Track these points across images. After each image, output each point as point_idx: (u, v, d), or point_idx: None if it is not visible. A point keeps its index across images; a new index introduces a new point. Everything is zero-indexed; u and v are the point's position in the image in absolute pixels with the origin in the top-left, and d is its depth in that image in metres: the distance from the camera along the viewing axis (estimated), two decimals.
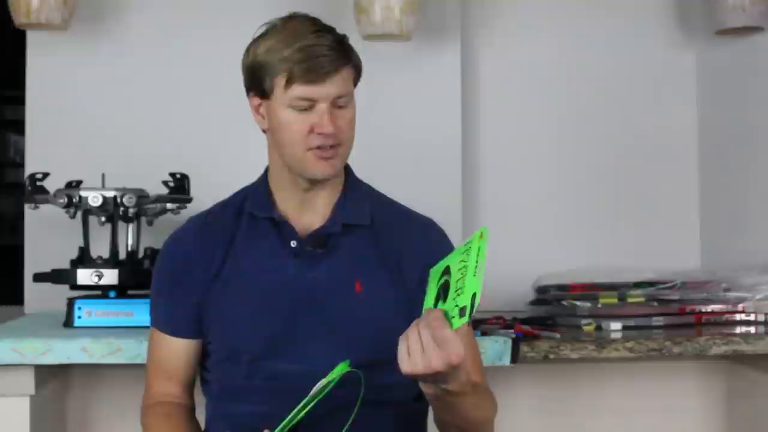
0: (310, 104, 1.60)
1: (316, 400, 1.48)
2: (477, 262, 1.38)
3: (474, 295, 1.35)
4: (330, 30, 1.65)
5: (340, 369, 1.46)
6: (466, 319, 1.35)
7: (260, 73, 1.63)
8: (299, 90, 1.60)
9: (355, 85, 1.69)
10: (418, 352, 1.36)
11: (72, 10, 2.47)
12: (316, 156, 1.62)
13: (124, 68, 2.65)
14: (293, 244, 1.67)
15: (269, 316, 1.64)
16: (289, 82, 1.60)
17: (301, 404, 1.47)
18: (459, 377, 1.40)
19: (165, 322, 1.72)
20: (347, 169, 1.75)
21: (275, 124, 1.65)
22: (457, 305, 1.37)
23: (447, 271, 1.45)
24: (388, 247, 1.69)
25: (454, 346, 1.35)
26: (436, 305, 1.43)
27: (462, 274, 1.40)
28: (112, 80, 2.65)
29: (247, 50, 1.67)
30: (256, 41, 1.65)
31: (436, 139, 2.73)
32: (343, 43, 1.65)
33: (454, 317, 1.37)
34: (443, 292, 1.43)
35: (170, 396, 1.72)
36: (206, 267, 1.68)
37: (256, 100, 1.67)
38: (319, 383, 1.47)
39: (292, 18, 1.65)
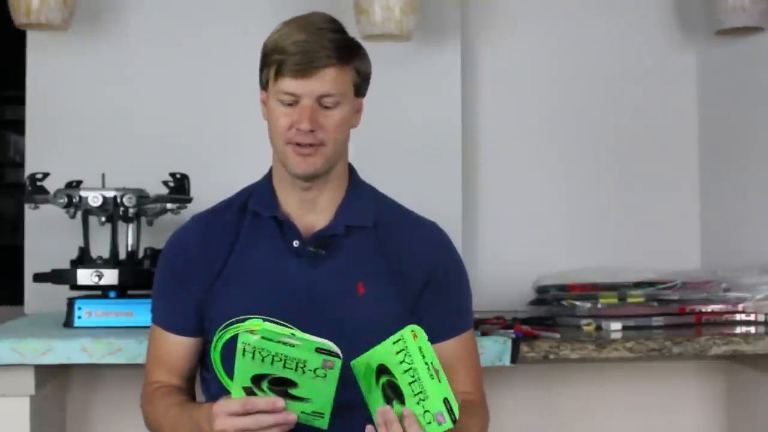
0: (294, 99, 1.60)
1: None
2: (427, 364, 1.39)
3: (446, 400, 1.38)
4: (337, 30, 1.64)
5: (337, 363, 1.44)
6: (448, 424, 1.37)
7: (261, 64, 1.65)
8: (284, 84, 1.60)
9: (358, 90, 1.68)
10: None
11: (72, 10, 2.47)
12: (294, 151, 1.62)
13: (123, 68, 2.65)
14: (295, 244, 1.66)
15: (270, 315, 1.63)
16: (277, 75, 1.61)
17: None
18: None
19: (166, 320, 1.72)
20: (351, 171, 1.75)
21: (268, 117, 1.66)
22: (427, 411, 1.39)
23: (384, 369, 1.44)
24: (391, 250, 1.69)
25: None
26: (389, 405, 1.44)
27: (412, 377, 1.40)
28: (112, 80, 2.64)
29: (264, 43, 1.67)
30: (271, 34, 1.66)
31: (436, 139, 2.73)
32: (346, 44, 1.64)
33: (430, 423, 1.39)
34: (393, 393, 1.43)
35: (172, 385, 1.72)
36: (208, 266, 1.68)
37: (263, 93, 1.68)
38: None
39: (309, 15, 1.66)
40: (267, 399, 1.43)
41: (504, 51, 2.85)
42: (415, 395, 1.41)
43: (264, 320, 1.41)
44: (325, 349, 1.39)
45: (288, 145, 1.62)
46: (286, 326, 1.40)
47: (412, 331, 1.42)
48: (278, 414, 1.43)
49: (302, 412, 1.45)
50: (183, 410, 1.63)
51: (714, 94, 2.87)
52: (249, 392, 1.44)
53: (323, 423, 1.47)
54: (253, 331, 1.39)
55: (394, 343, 1.43)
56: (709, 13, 2.72)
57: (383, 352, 1.44)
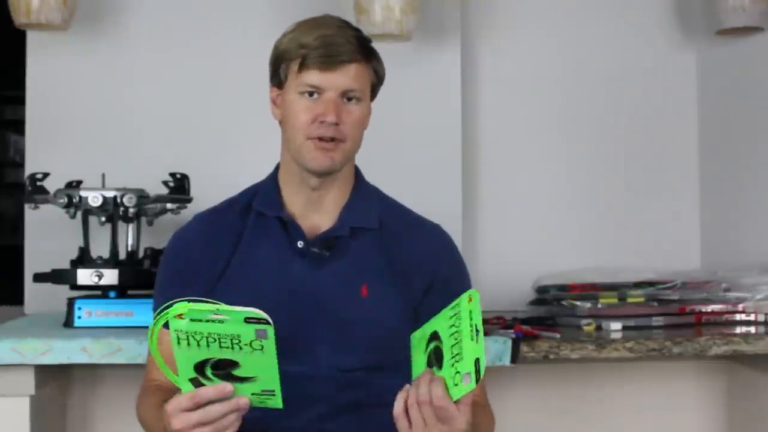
0: (318, 92, 1.60)
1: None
2: (472, 326, 1.39)
3: (477, 360, 1.37)
4: (354, 29, 1.66)
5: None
6: (472, 385, 1.37)
7: (279, 60, 1.64)
8: (310, 76, 1.60)
9: (374, 92, 1.69)
10: (420, 428, 1.37)
11: (72, 10, 2.47)
12: (315, 145, 1.61)
13: (124, 68, 2.65)
14: (300, 244, 1.66)
15: (273, 316, 1.63)
16: (302, 67, 1.60)
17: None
18: None
19: None
20: (356, 172, 1.75)
21: (285, 112, 1.65)
22: (458, 372, 1.38)
23: (435, 336, 1.45)
24: (395, 252, 1.68)
25: (459, 423, 1.37)
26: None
27: (456, 339, 1.40)
28: (112, 80, 2.64)
29: (275, 44, 1.67)
30: (284, 35, 1.66)
31: (436, 139, 2.73)
32: (366, 44, 1.65)
33: (457, 384, 1.38)
34: (435, 358, 1.43)
35: (170, 384, 1.72)
36: (210, 266, 1.68)
37: (275, 91, 1.68)
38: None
39: (322, 16, 1.67)
40: (214, 387, 1.39)
41: (504, 51, 2.85)
42: (453, 357, 1.40)
43: (189, 302, 1.38)
44: (254, 318, 1.36)
45: (308, 140, 1.61)
46: (211, 302, 1.38)
47: (469, 295, 1.41)
48: (230, 401, 1.40)
49: (252, 394, 1.42)
50: (158, 409, 1.62)
51: (714, 94, 2.87)
52: (197, 384, 1.42)
53: (277, 402, 1.43)
54: (182, 315, 1.37)
55: (451, 308, 1.43)
56: (709, 13, 2.72)
57: (440, 319, 1.45)
